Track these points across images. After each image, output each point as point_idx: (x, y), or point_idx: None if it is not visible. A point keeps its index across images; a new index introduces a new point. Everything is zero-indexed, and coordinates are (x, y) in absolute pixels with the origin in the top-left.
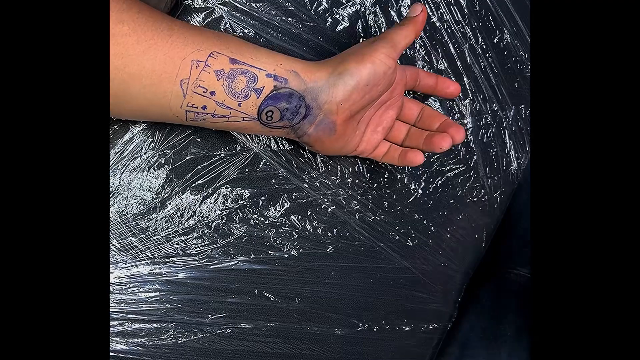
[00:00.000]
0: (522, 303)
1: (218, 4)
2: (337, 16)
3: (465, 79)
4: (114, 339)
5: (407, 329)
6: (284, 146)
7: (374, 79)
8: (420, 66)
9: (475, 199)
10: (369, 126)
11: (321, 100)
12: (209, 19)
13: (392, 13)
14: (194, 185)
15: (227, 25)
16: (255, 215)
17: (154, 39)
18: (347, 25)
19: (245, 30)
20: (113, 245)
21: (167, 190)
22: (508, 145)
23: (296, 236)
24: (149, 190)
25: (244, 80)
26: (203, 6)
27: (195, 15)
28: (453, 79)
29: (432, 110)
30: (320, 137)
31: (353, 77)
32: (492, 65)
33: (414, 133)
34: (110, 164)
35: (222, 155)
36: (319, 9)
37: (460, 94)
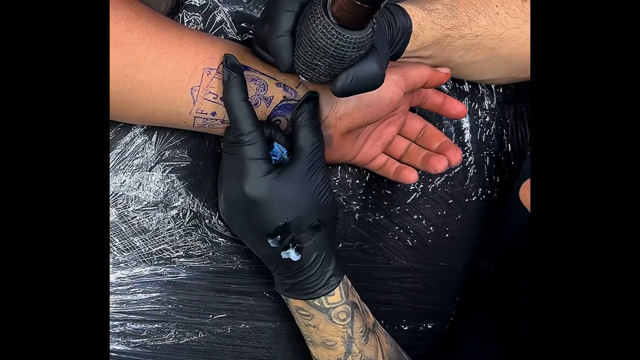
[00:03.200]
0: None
1: (219, 2)
2: None
3: (464, 79)
4: (115, 339)
5: (407, 328)
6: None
7: (377, 102)
8: None
9: (474, 199)
10: (368, 139)
11: (323, 113)
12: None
13: None
14: (194, 185)
15: (227, 28)
16: None
17: (165, 48)
18: None
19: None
20: (114, 245)
21: (168, 191)
22: (507, 144)
23: None
24: (150, 190)
25: (254, 87)
26: (204, 2)
27: (195, 14)
28: (452, 79)
29: (434, 129)
30: None
31: (355, 96)
32: None
33: (412, 150)
34: (112, 164)
35: None
36: None
37: (455, 93)
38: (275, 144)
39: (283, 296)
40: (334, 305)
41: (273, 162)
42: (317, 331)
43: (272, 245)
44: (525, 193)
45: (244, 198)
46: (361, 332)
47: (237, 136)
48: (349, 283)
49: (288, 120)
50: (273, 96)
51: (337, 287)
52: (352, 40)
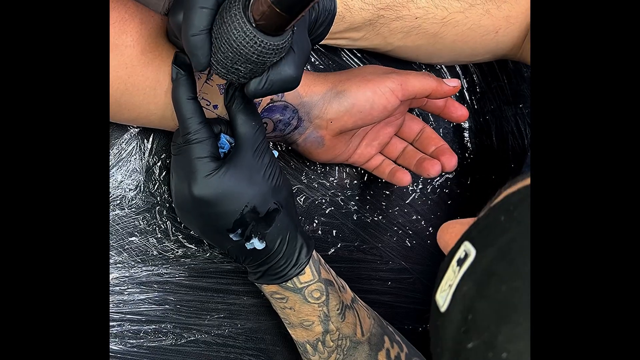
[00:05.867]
0: None
1: None
2: None
3: (463, 78)
4: (112, 339)
5: (406, 329)
6: (281, 147)
7: (369, 108)
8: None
9: (474, 200)
10: (364, 139)
11: (313, 115)
12: None
13: None
14: None
15: None
16: None
17: (159, 50)
18: None
19: None
20: (112, 245)
21: (166, 191)
22: (507, 144)
23: None
24: (148, 191)
25: None
26: None
27: None
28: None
29: (431, 131)
30: (308, 148)
31: (349, 100)
32: (491, 64)
33: (408, 152)
34: (110, 163)
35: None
36: None
37: (457, 93)
38: (222, 135)
39: (256, 283)
40: (307, 284)
41: (222, 154)
42: (294, 312)
43: (234, 239)
44: (443, 237)
45: (194, 199)
46: (337, 310)
47: (185, 135)
48: (321, 260)
49: (274, 121)
50: (261, 100)
51: (308, 266)
52: (274, 47)
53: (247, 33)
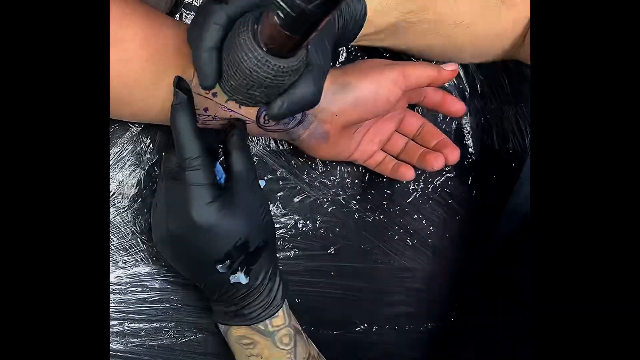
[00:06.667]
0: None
1: None
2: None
3: (463, 78)
4: (113, 338)
5: (407, 328)
6: (283, 146)
7: (373, 101)
8: None
9: (474, 198)
10: (365, 136)
11: (317, 108)
12: None
13: None
14: None
15: None
16: None
17: (158, 45)
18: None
19: None
20: (113, 244)
21: None
22: (508, 144)
23: (296, 236)
24: (149, 190)
25: None
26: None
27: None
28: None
29: (432, 126)
30: (312, 144)
31: (353, 93)
32: (492, 63)
33: (410, 147)
34: (110, 163)
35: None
36: None
37: (457, 93)
38: (218, 164)
39: (221, 327)
40: (279, 328)
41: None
42: None
43: (220, 271)
44: None
45: (192, 227)
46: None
47: (184, 161)
48: (289, 309)
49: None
50: None
51: (281, 309)
52: (288, 69)
53: (259, 58)
